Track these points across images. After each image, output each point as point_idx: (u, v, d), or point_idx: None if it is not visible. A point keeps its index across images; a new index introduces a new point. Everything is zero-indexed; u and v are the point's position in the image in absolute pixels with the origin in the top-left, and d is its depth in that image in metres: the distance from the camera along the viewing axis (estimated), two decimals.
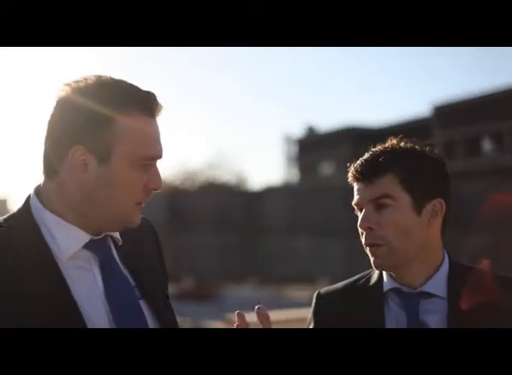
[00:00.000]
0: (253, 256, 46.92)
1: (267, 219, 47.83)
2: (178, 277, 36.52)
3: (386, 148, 2.40)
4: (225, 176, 63.61)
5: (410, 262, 2.34)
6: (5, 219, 1.96)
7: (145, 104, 1.93)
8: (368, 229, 2.31)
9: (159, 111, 1.97)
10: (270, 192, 50.11)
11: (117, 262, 2.01)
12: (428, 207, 2.34)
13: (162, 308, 2.06)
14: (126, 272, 2.03)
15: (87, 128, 1.89)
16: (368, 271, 2.52)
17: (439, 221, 2.38)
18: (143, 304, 2.01)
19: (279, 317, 13.41)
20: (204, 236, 47.96)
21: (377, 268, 2.37)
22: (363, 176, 2.34)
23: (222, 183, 61.66)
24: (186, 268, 44.14)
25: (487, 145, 45.78)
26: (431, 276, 2.37)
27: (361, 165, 2.36)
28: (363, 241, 2.34)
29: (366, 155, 2.39)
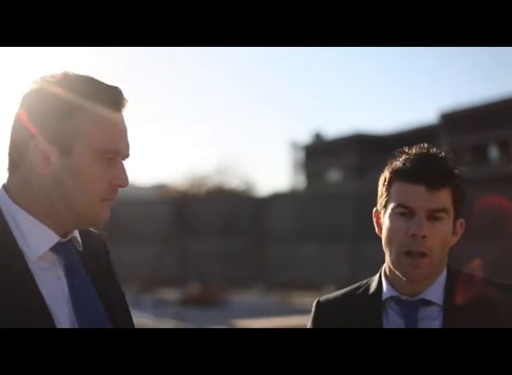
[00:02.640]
0: (259, 262, 46.85)
1: (273, 226, 47.76)
2: (183, 282, 36.48)
3: (438, 157, 2.38)
4: (233, 182, 63.65)
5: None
6: None
7: (109, 97, 1.93)
8: (423, 237, 2.27)
9: (124, 105, 1.96)
10: (276, 198, 50.05)
11: (81, 267, 2.00)
12: (456, 226, 2.38)
13: (120, 317, 2.04)
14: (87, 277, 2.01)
15: (49, 119, 1.89)
16: (366, 279, 2.53)
17: (455, 240, 2.40)
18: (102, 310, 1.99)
19: (285, 324, 13.40)
20: (210, 241, 47.91)
21: (412, 278, 2.32)
22: (427, 182, 2.29)
23: (229, 189, 61.64)
24: (191, 273, 44.10)
25: (494, 153, 45.71)
26: (430, 284, 2.38)
27: (425, 170, 2.31)
28: (406, 247, 2.29)
29: (423, 160, 2.35)
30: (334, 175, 60.90)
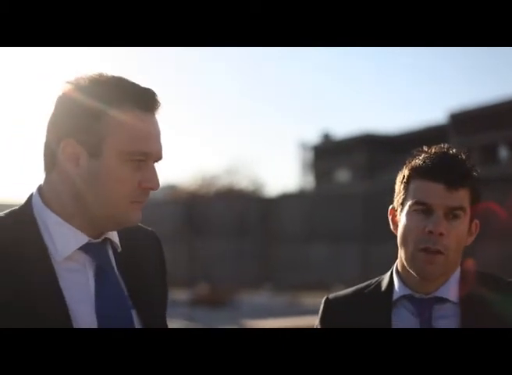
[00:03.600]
0: (268, 263, 46.84)
1: (282, 226, 47.73)
2: (193, 283, 36.50)
3: (458, 157, 2.39)
4: (242, 182, 63.67)
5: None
6: (6, 215, 1.95)
7: (140, 99, 1.92)
8: (440, 235, 2.28)
9: (156, 107, 1.95)
10: (286, 199, 50.04)
11: (113, 268, 2.00)
12: (472, 226, 2.39)
13: (153, 321, 2.03)
14: (121, 280, 2.01)
15: (79, 121, 1.89)
16: (376, 278, 2.52)
17: (471, 240, 2.41)
18: (134, 314, 1.98)
19: (295, 324, 13.39)
20: (220, 242, 47.93)
21: (426, 275, 2.33)
22: (447, 181, 2.30)
23: (238, 189, 61.67)
24: (201, 274, 44.13)
25: (503, 153, 45.61)
26: (444, 282, 2.38)
27: (445, 169, 2.33)
28: (423, 243, 2.30)
29: (443, 159, 2.36)
30: (343, 175, 60.90)
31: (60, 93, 1.94)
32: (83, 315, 1.88)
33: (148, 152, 1.92)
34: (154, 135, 1.94)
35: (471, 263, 2.49)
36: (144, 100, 1.92)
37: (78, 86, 1.92)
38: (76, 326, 1.85)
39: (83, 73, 1.95)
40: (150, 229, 2.20)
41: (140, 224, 2.12)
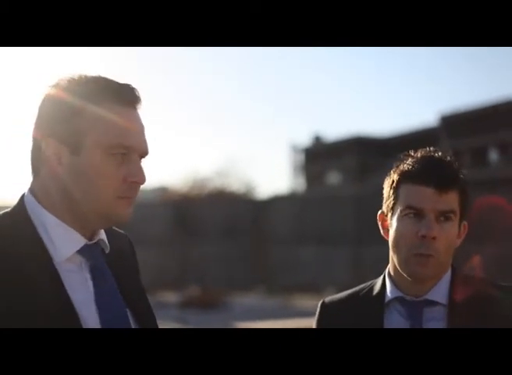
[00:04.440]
0: (260, 265, 46.85)
1: (273, 228, 47.77)
2: (184, 285, 36.46)
3: (445, 160, 2.39)
4: (233, 184, 63.66)
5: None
6: (1, 217, 1.94)
7: (119, 94, 1.92)
8: (433, 239, 2.28)
9: (136, 102, 1.95)
10: (277, 201, 50.07)
11: (107, 269, 1.99)
12: (460, 228, 2.39)
13: (144, 319, 2.04)
14: (113, 280, 2.01)
15: (58, 120, 1.90)
16: (370, 281, 2.53)
17: (459, 242, 2.41)
18: (129, 314, 1.99)
19: (286, 326, 13.42)
20: (211, 244, 47.92)
21: (419, 277, 2.33)
22: (437, 184, 2.30)
23: (229, 192, 61.67)
24: (192, 276, 44.10)
25: (493, 155, 45.75)
26: (434, 284, 2.38)
27: (434, 172, 2.32)
28: (416, 249, 2.30)
29: (431, 162, 2.36)
30: (334, 178, 61.02)
31: (42, 95, 1.95)
32: (87, 314, 1.88)
33: (129, 146, 1.91)
34: (135, 129, 1.94)
35: (461, 266, 2.51)
36: (123, 95, 1.92)
37: (58, 87, 1.92)
38: (83, 325, 1.85)
39: (66, 75, 1.95)
40: (123, 232, 2.20)
41: (114, 228, 2.12)
